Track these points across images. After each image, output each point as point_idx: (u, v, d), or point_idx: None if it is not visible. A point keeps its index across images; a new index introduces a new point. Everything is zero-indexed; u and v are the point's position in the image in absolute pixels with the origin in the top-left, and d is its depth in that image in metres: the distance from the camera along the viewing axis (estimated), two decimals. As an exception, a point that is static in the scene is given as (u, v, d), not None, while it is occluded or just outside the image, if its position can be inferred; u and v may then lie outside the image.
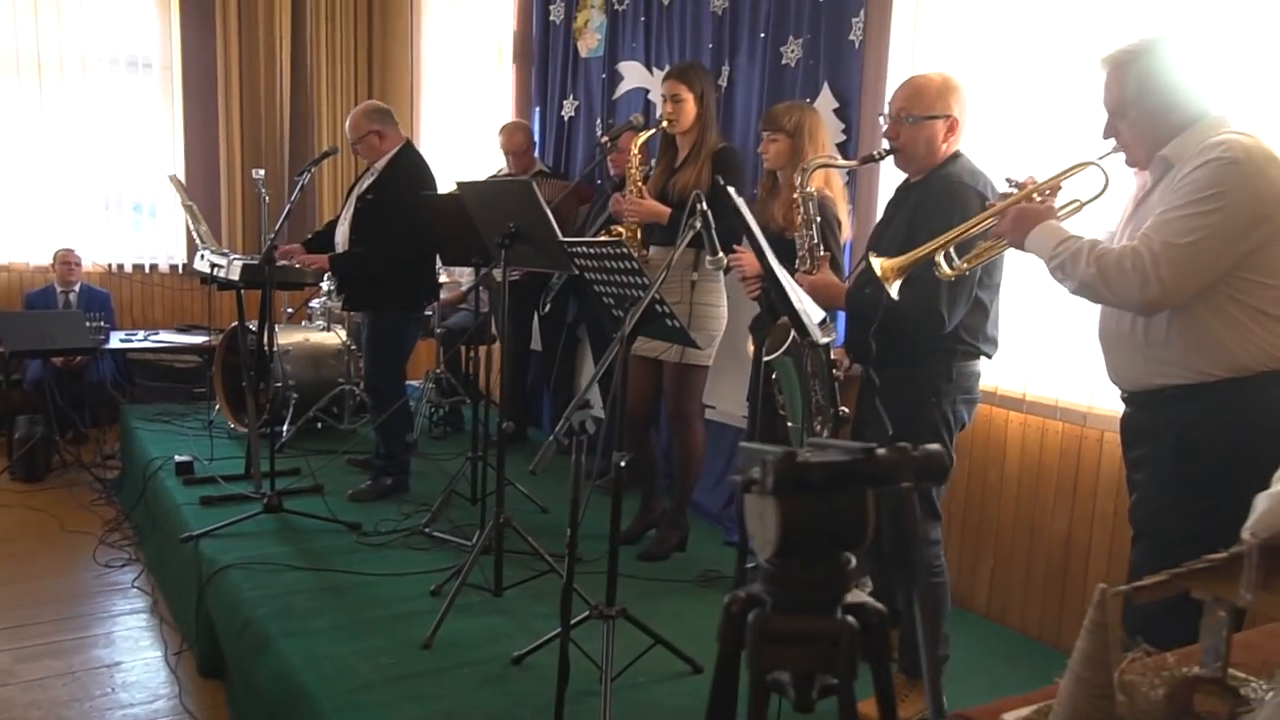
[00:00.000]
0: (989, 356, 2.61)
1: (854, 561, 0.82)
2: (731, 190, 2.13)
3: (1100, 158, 2.11)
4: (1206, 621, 0.99)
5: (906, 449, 0.78)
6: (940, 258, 2.23)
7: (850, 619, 0.80)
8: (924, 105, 2.53)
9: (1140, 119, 2.01)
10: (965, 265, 2.26)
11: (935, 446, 0.79)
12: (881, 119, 2.65)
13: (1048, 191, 2.16)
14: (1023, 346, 3.17)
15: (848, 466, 0.76)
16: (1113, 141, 2.09)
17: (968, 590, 3.39)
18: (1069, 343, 3.00)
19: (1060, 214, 2.13)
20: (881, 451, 0.78)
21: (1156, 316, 1.98)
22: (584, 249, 2.65)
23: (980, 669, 2.93)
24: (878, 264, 2.25)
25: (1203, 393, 1.95)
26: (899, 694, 2.59)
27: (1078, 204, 2.16)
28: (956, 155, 2.58)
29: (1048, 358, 3.12)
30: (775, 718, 1.00)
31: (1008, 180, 2.22)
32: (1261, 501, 0.95)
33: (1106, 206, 2.19)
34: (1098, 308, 2.17)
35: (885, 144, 2.61)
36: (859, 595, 0.83)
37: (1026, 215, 2.09)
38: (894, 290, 2.26)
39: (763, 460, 0.76)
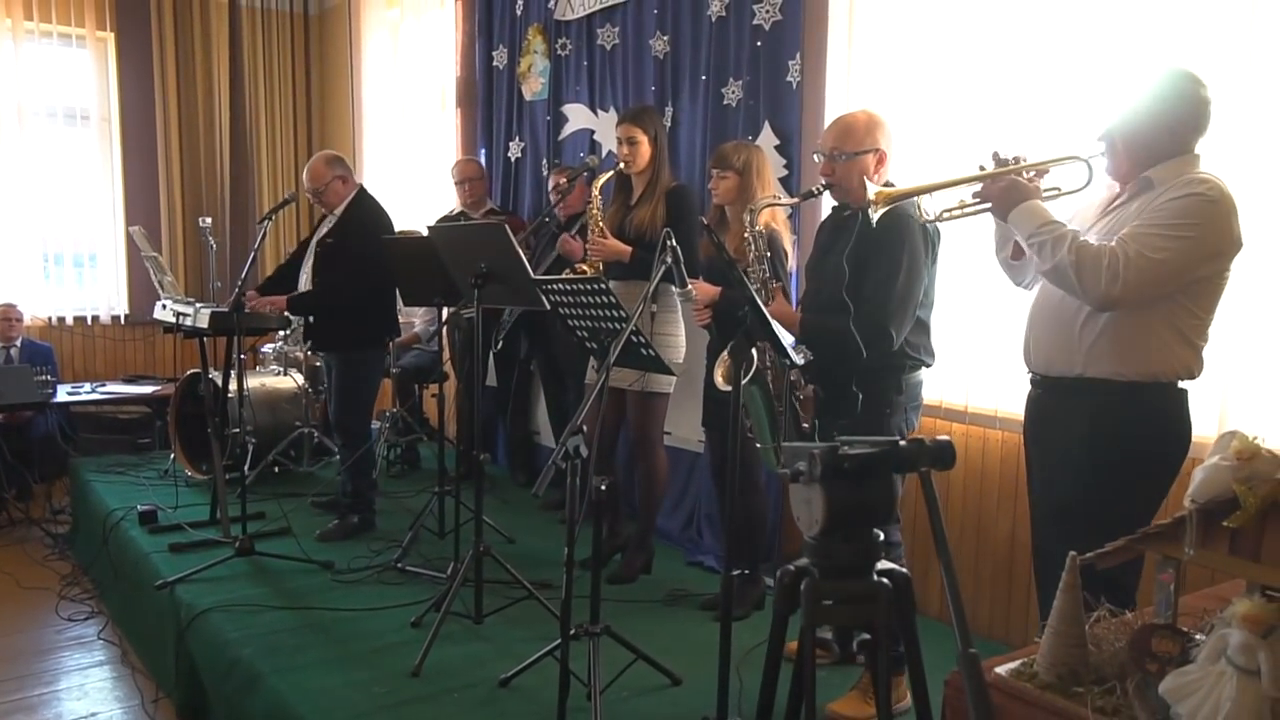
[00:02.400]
0: (929, 366, 2.85)
1: (883, 536, 0.99)
2: (712, 230, 2.31)
3: (1090, 155, 2.25)
4: (1158, 578, 1.18)
5: (923, 440, 0.96)
6: (921, 200, 2.37)
7: (884, 581, 0.97)
8: (854, 142, 2.76)
9: (1140, 134, 2.18)
10: (947, 216, 2.39)
11: (945, 437, 0.97)
12: (816, 157, 2.88)
13: (1035, 174, 2.28)
14: (963, 363, 3.41)
15: (878, 456, 0.93)
16: (1101, 145, 2.24)
17: (921, 595, 3.57)
18: (1005, 359, 3.24)
19: (1043, 197, 2.25)
20: (903, 443, 0.96)
21: (1098, 314, 2.17)
22: (558, 286, 2.81)
23: (936, 668, 3.11)
24: (872, 190, 2.37)
25: (1111, 390, 2.18)
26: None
27: (1058, 192, 2.29)
28: (888, 185, 2.81)
29: (986, 373, 3.35)
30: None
31: (994, 155, 2.30)
32: (1199, 473, 1.14)
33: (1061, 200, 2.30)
34: (1035, 304, 2.37)
35: (822, 180, 2.83)
36: (887, 563, 1.00)
37: (1018, 189, 2.23)
38: (875, 216, 2.37)
39: (810, 454, 0.92)
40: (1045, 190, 2.29)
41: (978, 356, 3.37)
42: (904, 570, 1.02)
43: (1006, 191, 2.23)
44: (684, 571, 4.01)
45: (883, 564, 1.00)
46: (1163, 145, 2.17)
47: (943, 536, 0.88)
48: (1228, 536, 1.10)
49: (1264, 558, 1.07)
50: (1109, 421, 2.18)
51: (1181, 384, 2.22)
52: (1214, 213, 2.07)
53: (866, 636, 0.99)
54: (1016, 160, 2.28)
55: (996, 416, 3.33)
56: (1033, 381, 2.40)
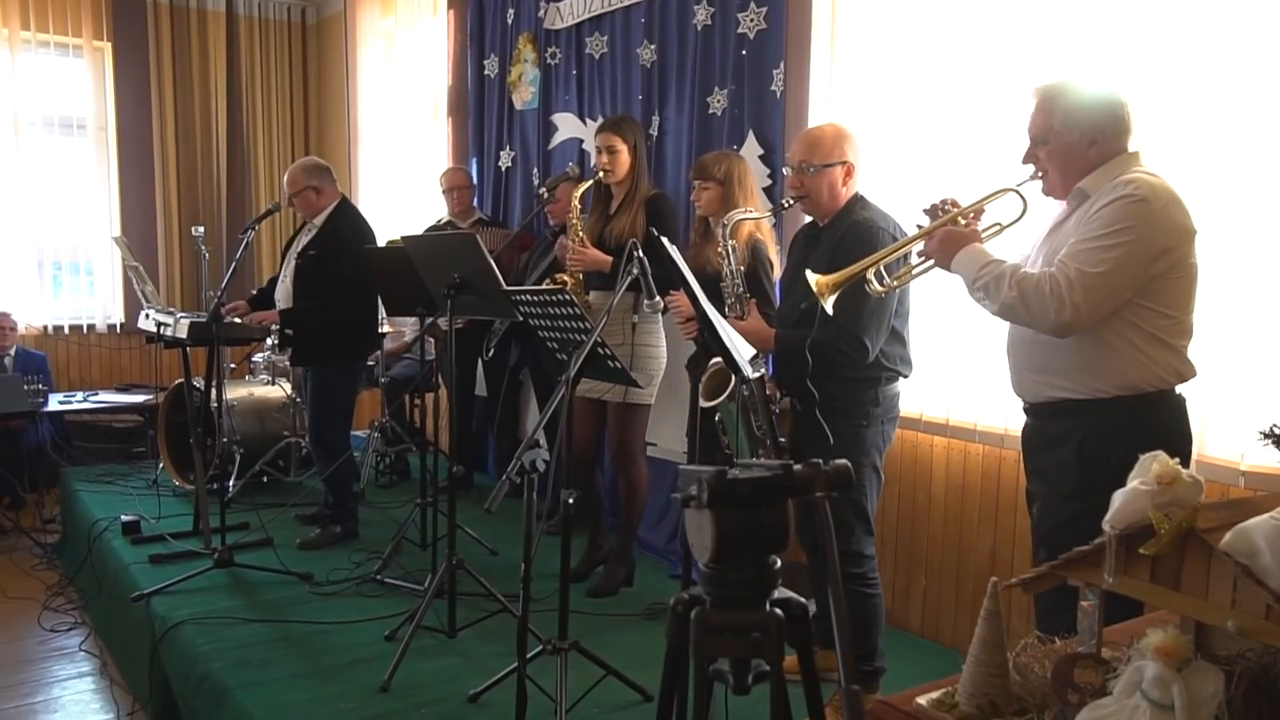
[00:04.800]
0: (906, 377, 2.83)
1: (779, 563, 0.96)
2: (665, 240, 2.29)
3: (1019, 184, 2.24)
4: (1081, 605, 1.14)
5: (818, 464, 0.92)
6: (871, 275, 2.35)
7: (778, 611, 0.93)
8: (822, 154, 2.75)
9: (1061, 149, 2.15)
10: (895, 284, 2.41)
11: (843, 461, 0.94)
12: (786, 170, 2.86)
13: (971, 215, 2.29)
14: (944, 375, 3.37)
15: (770, 480, 0.90)
16: (1031, 168, 2.23)
17: (902, 610, 3.54)
18: (986, 371, 3.19)
19: (984, 237, 2.26)
20: (798, 467, 0.92)
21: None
22: (528, 297, 2.79)
23: (911, 682, 3.07)
24: (814, 280, 2.36)
25: (1098, 408, 2.11)
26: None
27: (999, 227, 2.29)
28: (857, 198, 2.79)
29: (967, 385, 3.31)
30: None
31: (925, 211, 2.33)
32: (1118, 498, 1.10)
33: (1023, 228, 2.33)
34: (1008, 336, 2.32)
35: (792, 193, 2.81)
36: (784, 592, 0.97)
37: (953, 238, 2.21)
38: (829, 304, 2.36)
39: (699, 479, 0.89)
40: (986, 229, 2.28)
41: (959, 369, 3.33)
42: (801, 600, 0.98)
43: (944, 243, 2.22)
44: (667, 585, 3.96)
45: (780, 593, 0.97)
46: (1088, 155, 2.14)
47: (835, 565, 0.85)
48: (1149, 564, 1.06)
49: (1184, 587, 1.03)
50: (1098, 441, 2.11)
51: (1175, 391, 2.15)
52: (1145, 211, 2.01)
53: (766, 667, 0.96)
54: (947, 207, 2.28)
55: (976, 430, 3.28)
56: (1025, 410, 2.34)
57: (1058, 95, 2.17)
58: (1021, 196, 2.25)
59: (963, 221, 2.26)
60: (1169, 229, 2.03)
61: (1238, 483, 2.61)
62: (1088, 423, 2.13)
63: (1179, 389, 2.15)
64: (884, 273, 2.40)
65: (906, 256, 2.48)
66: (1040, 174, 2.22)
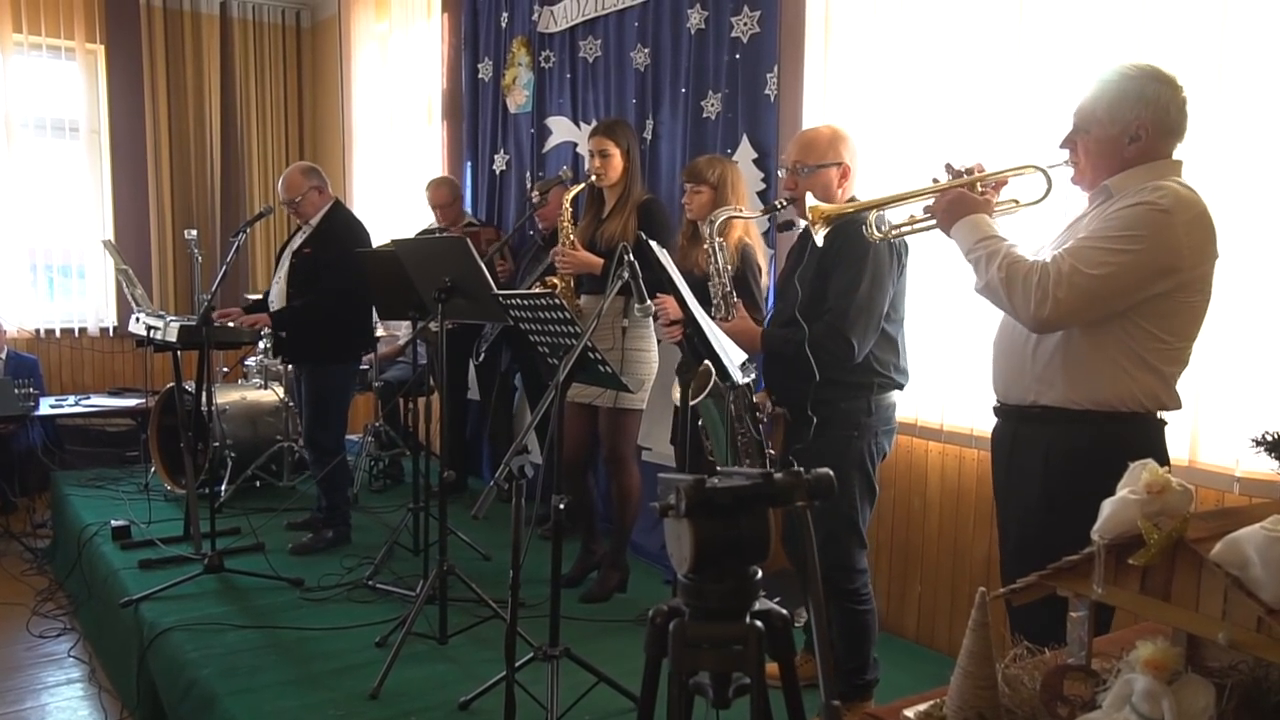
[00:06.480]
0: (901, 387, 2.76)
1: (760, 574, 0.94)
2: (654, 244, 2.26)
3: (1049, 166, 2.12)
4: (1070, 616, 1.12)
5: (799, 472, 0.90)
6: (871, 217, 2.27)
7: (758, 624, 0.91)
8: (816, 155, 2.70)
9: (1098, 140, 2.01)
10: (893, 233, 2.32)
11: (825, 470, 0.92)
12: (781, 172, 2.82)
13: (991, 186, 2.16)
14: (939, 380, 3.35)
15: (750, 490, 0.88)
16: (1065, 154, 2.10)
17: (897, 616, 3.52)
18: (981, 376, 3.16)
19: (996, 210, 2.14)
20: (778, 475, 0.90)
21: (1049, 336, 2.01)
22: (518, 300, 2.77)
23: (912, 693, 3.05)
24: (810, 206, 2.28)
25: (1066, 418, 2.01)
26: None
27: (1015, 204, 2.18)
28: (852, 200, 2.75)
29: (962, 390, 3.29)
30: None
31: (947, 166, 2.19)
32: (1106, 506, 1.08)
33: (1040, 217, 2.23)
34: (999, 328, 2.25)
35: (786, 195, 2.75)
36: (765, 603, 0.95)
37: (962, 202, 2.09)
38: (819, 237, 2.28)
39: (676, 487, 0.87)
40: (1003, 203, 2.17)
41: (954, 374, 3.32)
42: (783, 611, 0.96)
43: (952, 205, 2.09)
44: (661, 590, 3.94)
45: (761, 604, 0.95)
46: (1125, 151, 1.99)
47: (816, 577, 0.83)
48: (1139, 575, 1.04)
49: (1174, 598, 1.01)
50: (1062, 453, 2.02)
51: (1153, 415, 2.03)
52: (1164, 223, 1.86)
53: (746, 681, 0.94)
54: (971, 171, 2.16)
55: (973, 435, 3.26)
56: (994, 409, 2.26)
57: (1110, 82, 2.02)
58: (1047, 177, 2.12)
59: (980, 188, 2.13)
60: (1183, 249, 1.89)
61: (1233, 489, 2.60)
62: (1053, 432, 2.04)
63: (1160, 415, 2.04)
64: (885, 221, 2.33)
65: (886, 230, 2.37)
66: (1074, 161, 2.09)
